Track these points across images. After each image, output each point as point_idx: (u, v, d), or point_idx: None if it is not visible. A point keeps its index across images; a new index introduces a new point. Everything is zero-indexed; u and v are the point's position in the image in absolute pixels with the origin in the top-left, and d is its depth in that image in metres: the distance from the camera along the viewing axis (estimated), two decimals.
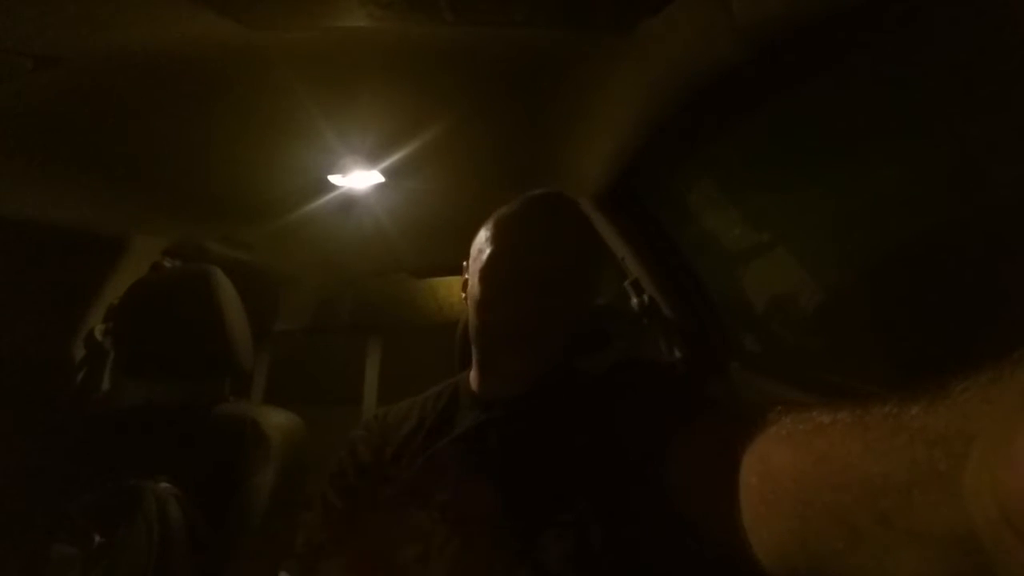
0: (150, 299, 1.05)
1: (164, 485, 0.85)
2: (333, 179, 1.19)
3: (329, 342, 2.56)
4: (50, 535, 0.76)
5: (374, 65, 0.76)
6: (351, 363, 2.42)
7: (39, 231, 1.10)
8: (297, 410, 1.13)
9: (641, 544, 0.52)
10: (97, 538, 0.76)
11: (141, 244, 1.31)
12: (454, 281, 2.34)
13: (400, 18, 0.63)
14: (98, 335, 1.22)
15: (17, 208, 1.02)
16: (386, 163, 1.10)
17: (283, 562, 0.66)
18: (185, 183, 1.14)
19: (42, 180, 0.96)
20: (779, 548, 0.34)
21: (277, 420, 1.04)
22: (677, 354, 1.29)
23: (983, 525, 0.19)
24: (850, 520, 0.27)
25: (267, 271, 2.04)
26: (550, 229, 0.64)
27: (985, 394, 0.21)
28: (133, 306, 1.06)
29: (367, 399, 2.33)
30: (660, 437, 0.52)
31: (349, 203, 1.35)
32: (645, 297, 1.31)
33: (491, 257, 0.64)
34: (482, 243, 0.67)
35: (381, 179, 1.20)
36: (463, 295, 0.71)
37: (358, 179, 1.20)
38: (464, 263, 0.71)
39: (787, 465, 0.33)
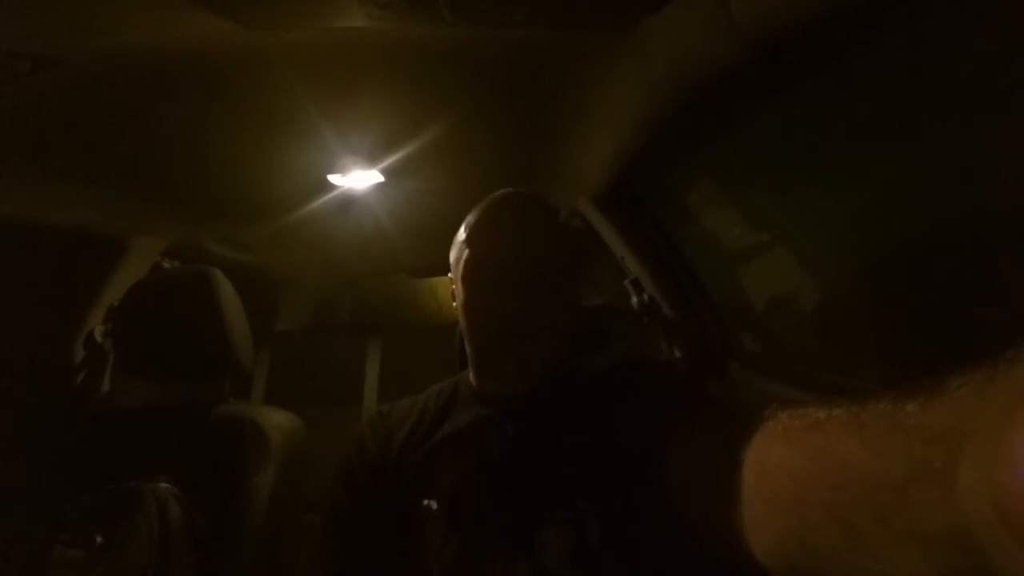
0: (150, 300, 1.05)
1: (164, 485, 0.86)
2: (333, 179, 1.19)
3: (329, 342, 2.56)
4: (51, 535, 0.76)
5: (373, 65, 0.76)
6: (351, 363, 2.42)
7: (39, 232, 1.10)
8: (297, 411, 1.13)
9: (640, 542, 0.52)
10: (97, 538, 0.76)
11: (141, 245, 1.31)
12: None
13: (399, 18, 0.63)
14: (98, 336, 1.22)
15: (17, 209, 1.02)
16: (386, 163, 1.10)
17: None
18: (185, 183, 1.14)
19: (42, 181, 0.96)
20: (778, 546, 0.34)
21: (277, 420, 1.04)
22: (677, 353, 1.29)
23: (978, 522, 0.19)
24: (848, 518, 0.27)
25: (267, 271, 2.04)
26: (518, 226, 0.65)
27: (981, 392, 0.21)
28: (133, 307, 1.06)
29: (367, 399, 2.32)
30: (659, 436, 0.52)
31: (349, 203, 1.35)
32: (645, 296, 1.32)
33: (468, 261, 0.65)
34: (459, 249, 0.68)
35: (381, 179, 1.20)
36: (453, 303, 0.71)
37: (358, 179, 1.20)
38: (450, 272, 0.72)
39: (785, 463, 0.33)
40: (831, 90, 0.71)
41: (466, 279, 0.65)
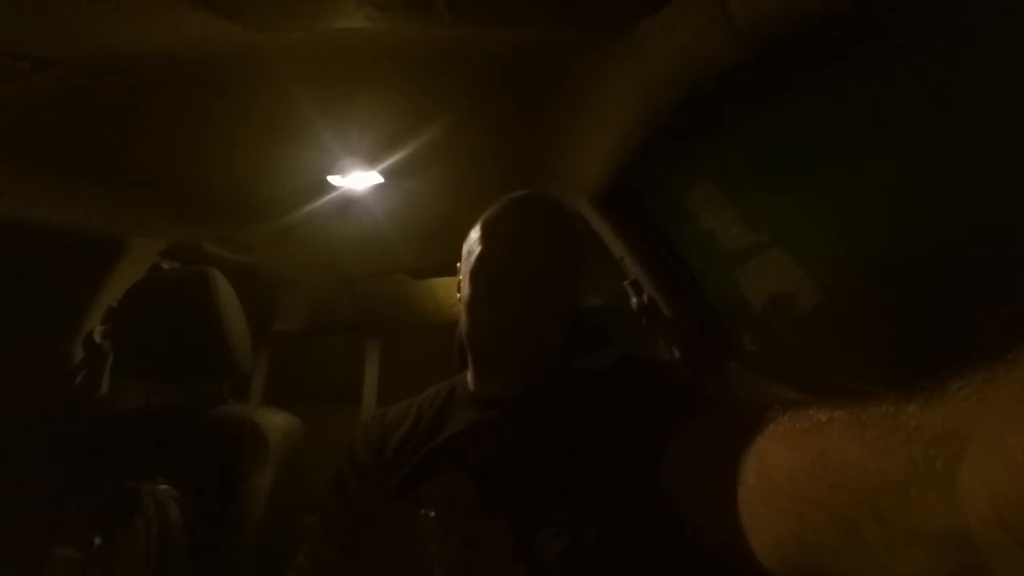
0: (149, 301, 1.05)
1: (163, 487, 0.85)
2: (332, 180, 1.19)
3: (328, 343, 2.56)
4: (50, 537, 0.76)
5: (372, 66, 0.76)
6: (350, 364, 2.41)
7: (38, 233, 1.10)
8: (296, 411, 1.13)
9: (638, 543, 0.52)
10: (96, 540, 0.76)
11: (140, 246, 1.31)
12: (452, 282, 2.30)
13: (398, 19, 0.63)
14: (97, 337, 1.22)
15: (16, 210, 1.02)
16: (385, 164, 1.11)
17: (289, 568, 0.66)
18: (183, 184, 1.13)
19: (41, 182, 0.96)
20: (778, 547, 0.34)
21: (276, 421, 1.04)
22: (676, 354, 1.29)
23: (977, 524, 0.19)
24: (848, 519, 0.27)
25: (266, 272, 2.04)
26: (535, 228, 0.65)
27: (981, 394, 0.21)
28: (132, 308, 1.06)
29: (366, 400, 2.32)
30: (658, 436, 0.52)
31: (348, 204, 1.35)
32: (644, 297, 1.32)
33: (479, 259, 0.65)
34: (471, 245, 0.68)
35: (380, 180, 1.20)
36: (457, 296, 0.71)
37: (357, 180, 1.20)
38: (457, 264, 0.72)
39: (785, 464, 0.33)
40: (829, 90, 0.71)
41: (473, 276, 0.65)
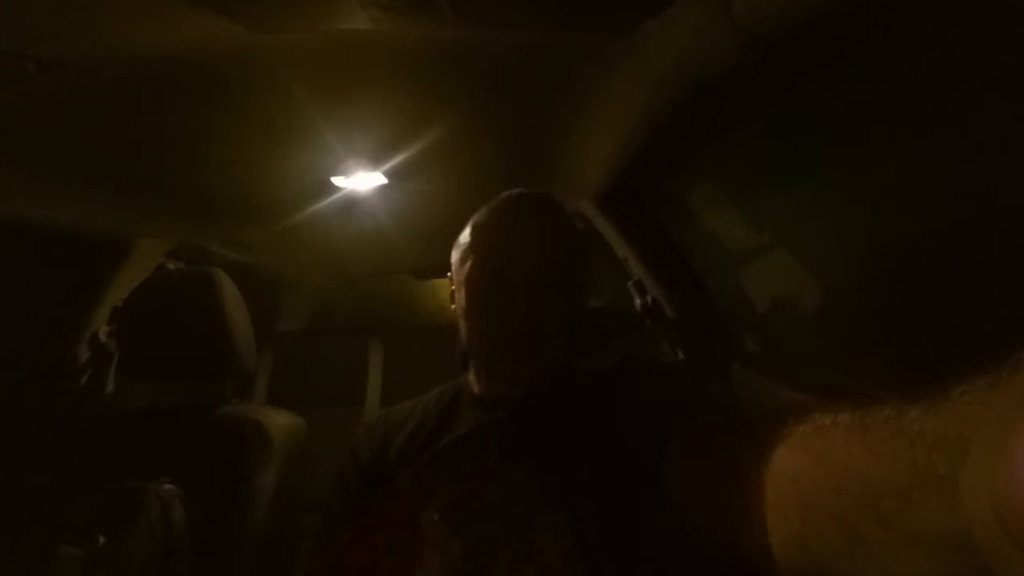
0: (154, 301, 1.05)
1: (167, 486, 0.86)
2: (335, 181, 1.20)
3: (331, 343, 2.56)
4: (54, 536, 0.77)
5: (376, 67, 0.77)
6: (353, 364, 2.41)
7: (43, 233, 1.11)
8: (300, 412, 1.13)
9: (641, 544, 0.52)
10: (100, 539, 0.76)
11: (144, 246, 1.31)
12: None
13: (401, 20, 0.63)
14: (102, 337, 1.23)
15: (21, 210, 1.02)
16: (388, 165, 1.11)
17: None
18: (188, 185, 1.14)
19: (46, 182, 0.96)
20: (780, 549, 0.34)
21: (280, 421, 1.04)
22: (679, 355, 1.29)
23: (979, 529, 0.18)
24: (851, 522, 0.27)
25: (269, 273, 2.05)
26: (530, 230, 0.64)
27: (983, 397, 0.21)
28: (137, 308, 1.06)
29: (369, 400, 2.32)
30: (660, 438, 0.52)
31: (351, 204, 1.35)
32: (648, 298, 1.31)
33: (475, 265, 0.64)
34: (464, 251, 0.66)
35: (383, 180, 1.20)
36: (452, 306, 0.70)
37: (360, 181, 1.20)
38: (448, 274, 0.71)
39: (788, 466, 0.33)
40: (832, 91, 0.70)
41: (472, 282, 0.64)
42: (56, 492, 0.84)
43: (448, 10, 0.61)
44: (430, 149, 1.03)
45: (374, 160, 1.09)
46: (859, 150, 0.73)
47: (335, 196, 1.29)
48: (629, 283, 1.35)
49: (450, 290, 0.71)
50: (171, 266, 1.46)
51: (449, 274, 0.71)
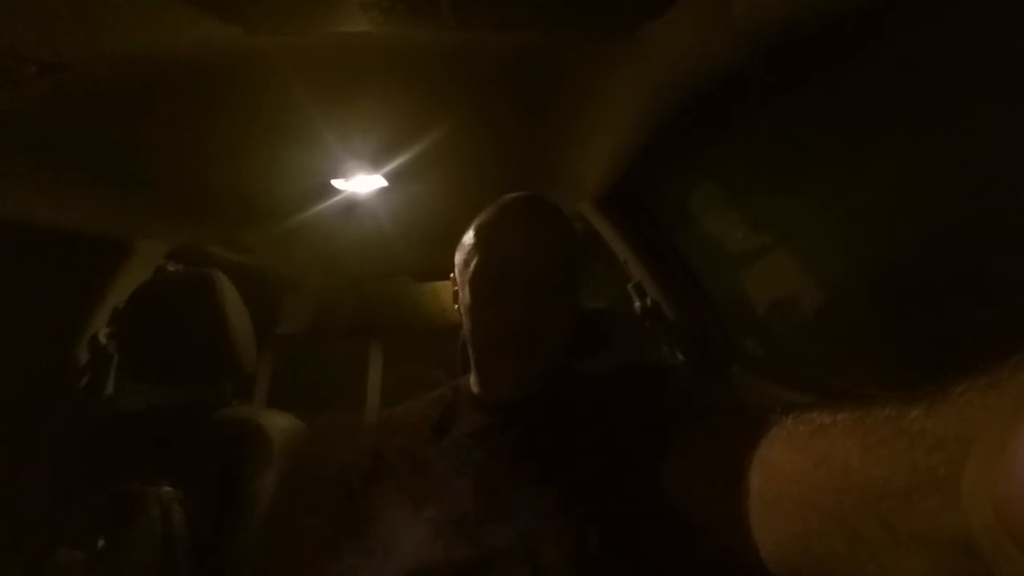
0: (154, 303, 1.05)
1: (167, 489, 0.86)
2: (335, 183, 1.20)
3: (331, 345, 2.56)
4: (54, 539, 0.77)
5: (376, 69, 0.77)
6: (353, 367, 2.41)
7: (43, 235, 1.11)
8: (300, 414, 1.13)
9: (641, 547, 0.52)
10: (100, 542, 0.76)
11: (145, 248, 1.31)
12: None
13: (402, 22, 0.64)
14: (102, 339, 1.23)
15: (22, 212, 1.02)
16: (388, 167, 1.11)
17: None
18: (188, 187, 1.14)
19: (46, 184, 0.97)
20: (781, 550, 0.34)
21: (280, 424, 1.04)
22: (679, 357, 1.29)
23: (980, 529, 0.18)
24: (851, 523, 0.27)
25: (269, 275, 2.05)
26: (534, 232, 0.64)
27: (983, 398, 0.21)
28: (137, 310, 1.06)
29: (369, 402, 2.32)
30: (661, 440, 0.51)
31: (351, 207, 1.35)
32: (648, 300, 1.31)
33: (478, 266, 0.64)
34: (467, 252, 0.67)
35: (383, 183, 1.20)
36: (455, 306, 0.71)
37: (360, 183, 1.20)
38: (452, 275, 0.72)
39: (788, 468, 0.33)
40: (832, 93, 0.71)
41: (474, 284, 0.65)
42: (56, 494, 0.84)
43: (449, 12, 0.61)
44: (430, 151, 1.03)
45: (374, 162, 1.09)
46: (859, 151, 0.73)
47: (335, 198, 1.29)
48: (629, 285, 1.35)
49: (453, 290, 0.71)
50: (171, 268, 1.46)
51: (452, 275, 0.72)
